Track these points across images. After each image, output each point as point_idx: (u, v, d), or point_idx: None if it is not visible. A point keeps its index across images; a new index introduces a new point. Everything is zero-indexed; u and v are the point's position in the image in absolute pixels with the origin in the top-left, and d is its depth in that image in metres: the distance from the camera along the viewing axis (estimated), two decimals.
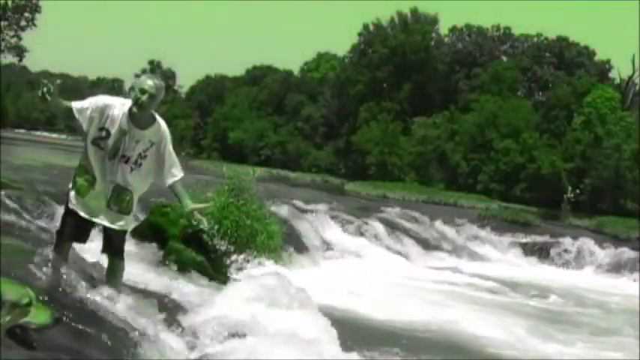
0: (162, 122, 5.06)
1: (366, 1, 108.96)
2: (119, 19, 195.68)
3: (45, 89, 4.65)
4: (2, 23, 36.79)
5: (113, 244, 5.05)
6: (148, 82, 4.87)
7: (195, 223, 5.02)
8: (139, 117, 4.89)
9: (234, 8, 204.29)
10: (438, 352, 8.91)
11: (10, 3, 36.91)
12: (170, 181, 5.06)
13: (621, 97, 43.56)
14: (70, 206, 4.95)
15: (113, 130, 4.87)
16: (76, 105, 4.88)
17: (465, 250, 21.36)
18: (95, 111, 4.87)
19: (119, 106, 4.92)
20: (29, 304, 2.35)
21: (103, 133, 4.88)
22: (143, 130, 4.92)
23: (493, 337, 10.10)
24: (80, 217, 4.91)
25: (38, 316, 2.35)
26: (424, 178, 44.81)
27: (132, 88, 4.95)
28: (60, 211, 5.92)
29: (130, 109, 4.88)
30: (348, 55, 54.59)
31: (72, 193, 4.95)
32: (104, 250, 5.11)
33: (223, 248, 8.65)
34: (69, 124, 5.32)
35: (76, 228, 4.98)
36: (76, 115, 4.87)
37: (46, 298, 4.55)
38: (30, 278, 4.77)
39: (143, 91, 4.84)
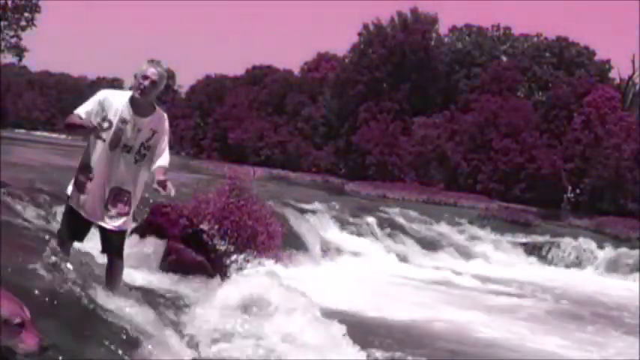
0: (162, 112, 5.05)
1: (366, 1, 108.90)
2: (119, 19, 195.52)
3: (97, 129, 4.73)
4: (2, 23, 36.72)
5: (112, 244, 5.04)
6: (151, 69, 4.87)
7: (155, 185, 4.86)
8: (140, 105, 4.88)
9: (235, 8, 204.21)
10: (439, 352, 8.90)
11: (10, 3, 36.86)
12: (154, 166, 4.93)
13: (621, 97, 43.54)
14: (70, 203, 4.95)
15: (115, 120, 4.85)
16: (85, 111, 4.86)
17: (465, 250, 21.36)
18: (97, 106, 4.87)
19: (120, 97, 4.93)
20: (21, 325, 2.27)
21: (105, 125, 4.86)
22: (144, 118, 4.91)
23: (493, 337, 10.10)
24: (81, 216, 4.90)
25: (26, 341, 2.27)
26: (424, 178, 44.77)
27: (134, 76, 4.92)
28: (60, 210, 5.92)
29: (132, 97, 4.88)
30: (348, 55, 54.55)
31: (72, 192, 4.95)
32: (104, 250, 5.11)
33: (223, 248, 8.65)
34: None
35: (77, 227, 4.98)
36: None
37: (46, 298, 4.55)
38: (30, 278, 4.77)
39: (145, 77, 4.84)
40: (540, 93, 50.96)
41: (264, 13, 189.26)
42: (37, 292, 4.56)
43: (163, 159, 4.98)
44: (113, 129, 4.86)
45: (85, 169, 4.93)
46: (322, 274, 12.98)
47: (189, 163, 43.68)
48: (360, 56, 51.73)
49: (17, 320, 2.26)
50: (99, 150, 4.88)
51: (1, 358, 2.30)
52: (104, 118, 4.87)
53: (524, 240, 24.05)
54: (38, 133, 79.61)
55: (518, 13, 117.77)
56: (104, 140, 4.88)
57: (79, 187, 4.91)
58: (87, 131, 4.82)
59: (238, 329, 5.86)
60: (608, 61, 51.14)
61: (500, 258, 22.01)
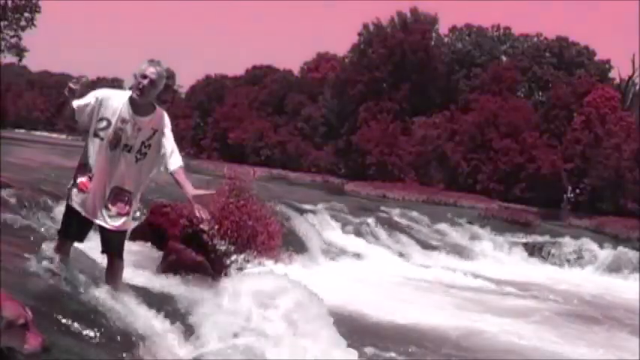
0: (162, 110, 5.04)
1: (366, 1, 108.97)
2: (119, 19, 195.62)
3: (71, 88, 4.66)
4: (2, 23, 36.74)
5: (112, 245, 5.03)
6: (150, 69, 4.85)
7: (196, 212, 4.92)
8: (139, 104, 4.87)
9: (235, 8, 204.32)
10: (439, 352, 8.89)
11: (10, 3, 36.87)
12: (173, 167, 4.95)
13: (621, 97, 43.56)
14: (70, 203, 4.93)
15: (114, 120, 4.85)
16: (77, 104, 4.85)
17: (465, 251, 21.34)
18: (95, 104, 4.86)
19: (119, 97, 4.91)
20: (24, 326, 2.29)
21: (104, 123, 4.85)
22: (144, 118, 4.91)
23: (494, 337, 10.09)
24: (81, 216, 4.89)
25: (30, 342, 2.30)
26: (424, 178, 44.80)
27: (134, 77, 4.90)
28: (60, 210, 5.91)
29: (131, 97, 4.87)
30: (348, 55, 54.59)
31: (73, 191, 4.93)
32: (104, 250, 5.10)
33: (223, 248, 8.63)
34: (70, 124, 5.25)
35: (77, 227, 4.97)
36: (77, 116, 4.84)
37: (46, 298, 4.55)
38: (30, 278, 4.76)
39: (144, 77, 4.82)
40: (540, 93, 51.01)
41: (264, 13, 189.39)
42: (37, 292, 4.56)
43: (177, 158, 4.99)
44: (113, 128, 4.85)
45: (84, 167, 4.92)
46: (322, 274, 12.96)
47: (190, 163, 43.57)
48: (360, 56, 51.78)
49: (21, 321, 2.28)
50: (97, 149, 4.87)
51: (4, 358, 2.31)
52: (102, 117, 4.86)
53: (524, 240, 24.03)
54: (38, 133, 79.66)
55: (518, 13, 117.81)
56: (102, 139, 4.87)
57: (79, 186, 4.90)
58: (67, 99, 4.76)
59: (238, 329, 5.86)
60: (608, 61, 51.21)
61: (500, 258, 21.99)
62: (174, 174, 4.97)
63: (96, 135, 4.87)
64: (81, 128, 4.96)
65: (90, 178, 4.88)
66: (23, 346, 2.30)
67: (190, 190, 4.92)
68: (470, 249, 21.74)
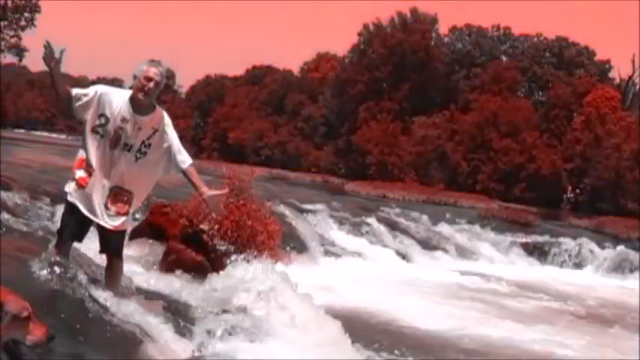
0: (162, 109, 5.03)
1: (366, 1, 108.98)
2: (119, 19, 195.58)
3: (46, 51, 4.67)
4: (2, 23, 36.73)
5: (111, 244, 5.02)
6: (153, 70, 4.85)
7: (211, 210, 4.92)
8: (140, 104, 4.85)
9: (235, 8, 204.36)
10: (440, 352, 8.88)
11: (10, 3, 36.86)
12: (184, 165, 4.96)
13: (621, 97, 43.56)
14: (70, 199, 4.91)
15: (112, 118, 4.83)
16: (75, 91, 4.85)
17: (465, 250, 21.33)
18: (95, 97, 4.84)
19: (119, 96, 4.90)
20: (28, 318, 2.33)
21: (102, 120, 4.84)
22: (144, 117, 4.90)
23: (494, 337, 10.09)
24: (81, 215, 4.88)
25: (34, 333, 2.33)
26: (424, 178, 44.79)
27: (134, 77, 4.87)
28: (60, 210, 5.91)
29: (133, 97, 4.85)
30: (348, 55, 54.60)
31: (72, 186, 4.91)
32: (102, 250, 5.09)
33: (223, 248, 8.64)
34: (70, 124, 5.27)
35: (76, 226, 4.96)
36: (73, 101, 4.82)
37: (46, 298, 4.55)
38: (30, 279, 4.76)
39: (149, 79, 4.81)
40: (540, 93, 51.02)
41: (264, 14, 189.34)
42: (37, 292, 4.56)
43: (186, 155, 5.01)
44: (112, 127, 4.84)
45: (84, 164, 4.90)
46: (322, 274, 12.96)
47: None
48: (360, 56, 51.78)
49: (25, 314, 2.32)
50: (97, 146, 4.87)
51: (9, 352, 2.34)
52: (101, 114, 4.86)
53: (524, 240, 24.02)
54: (38, 133, 79.61)
55: (518, 13, 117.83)
56: (102, 135, 4.85)
57: (78, 182, 4.89)
58: (51, 69, 4.82)
59: (238, 329, 5.86)
60: (608, 61, 51.21)
61: (500, 258, 21.98)
62: (187, 173, 4.98)
63: (95, 131, 4.87)
64: (74, 116, 4.92)
65: (89, 174, 4.87)
66: (27, 337, 2.33)
67: (206, 191, 4.94)
68: (470, 249, 21.73)
